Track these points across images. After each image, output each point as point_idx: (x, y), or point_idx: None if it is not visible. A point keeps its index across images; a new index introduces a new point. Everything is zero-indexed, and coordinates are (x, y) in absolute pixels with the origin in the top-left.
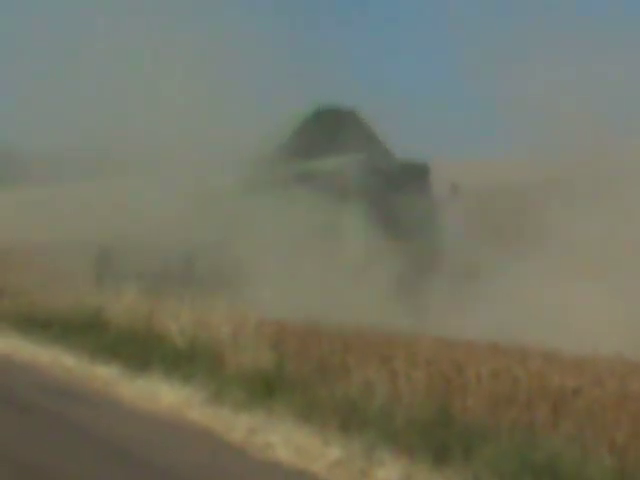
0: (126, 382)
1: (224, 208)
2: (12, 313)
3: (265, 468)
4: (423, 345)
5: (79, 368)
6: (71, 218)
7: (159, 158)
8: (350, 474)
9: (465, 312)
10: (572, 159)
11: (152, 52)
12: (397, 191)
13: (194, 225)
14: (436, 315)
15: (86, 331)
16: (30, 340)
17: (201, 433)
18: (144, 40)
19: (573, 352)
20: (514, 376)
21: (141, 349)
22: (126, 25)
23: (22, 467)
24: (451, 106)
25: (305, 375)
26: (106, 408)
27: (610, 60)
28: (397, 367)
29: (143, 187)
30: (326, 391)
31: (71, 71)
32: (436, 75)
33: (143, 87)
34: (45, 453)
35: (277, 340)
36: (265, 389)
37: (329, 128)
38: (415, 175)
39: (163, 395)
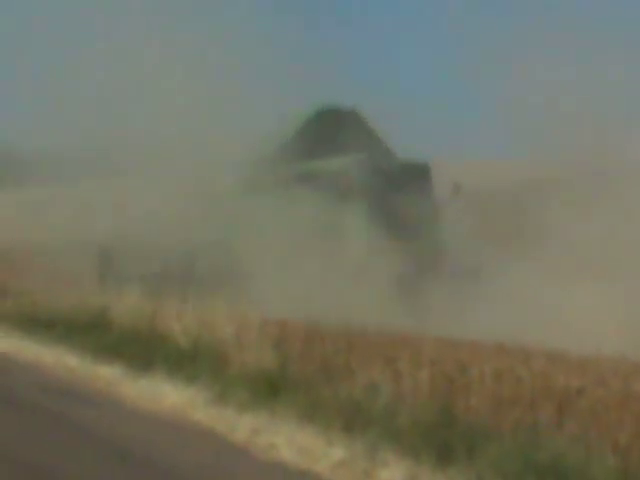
0: (129, 382)
1: (226, 208)
2: (15, 313)
3: (268, 468)
4: (426, 345)
5: (82, 368)
6: (72, 218)
7: (160, 158)
8: (354, 474)
9: (466, 312)
10: (572, 159)
11: (153, 52)
12: (398, 191)
13: (196, 225)
14: (437, 315)
15: (89, 331)
16: (33, 340)
17: (204, 433)
18: (144, 40)
19: (576, 352)
20: (517, 376)
21: (144, 349)
22: (126, 25)
23: (24, 467)
24: (452, 106)
25: (309, 375)
26: (109, 408)
27: (610, 60)
28: (401, 367)
29: (144, 187)
30: (330, 391)
31: (71, 71)
32: (437, 75)
33: (143, 87)
34: (47, 453)
35: (280, 340)
36: (269, 389)
37: (331, 128)
38: (416, 175)
39: (166, 395)
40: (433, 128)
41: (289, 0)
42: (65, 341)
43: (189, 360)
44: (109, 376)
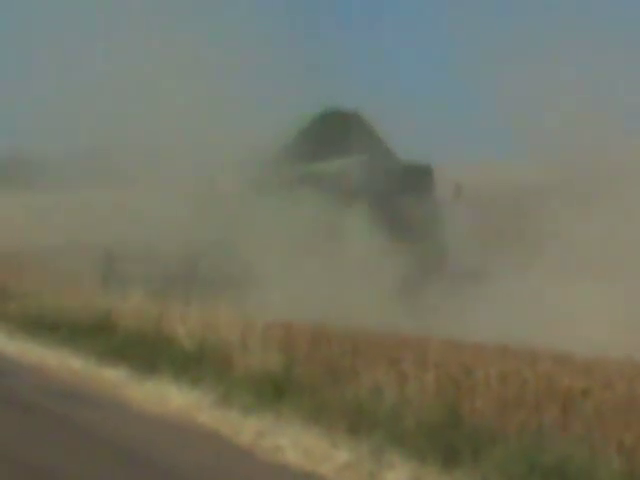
0: (134, 385)
1: (228, 209)
2: (19, 315)
3: (273, 471)
4: (431, 347)
5: (87, 370)
6: (76, 221)
7: (161, 160)
8: (359, 477)
9: (468, 313)
10: (572, 159)
11: (153, 52)
12: (400, 192)
13: (199, 227)
14: (440, 316)
15: (94, 334)
16: (38, 342)
17: (209, 436)
18: (145, 40)
19: (581, 354)
20: (523, 378)
21: (149, 352)
22: (126, 25)
23: (29, 468)
24: (455, 107)
25: (313, 378)
26: (114, 411)
27: (610, 60)
28: (406, 369)
29: (147, 189)
30: (335, 394)
31: (71, 72)
32: (439, 77)
33: (145, 90)
34: (51, 455)
35: (285, 342)
36: (273, 392)
37: (333, 130)
38: (418, 176)
39: (171, 398)
40: (435, 130)
41: (290, 2)
42: (69, 343)
43: (194, 362)
44: (114, 379)
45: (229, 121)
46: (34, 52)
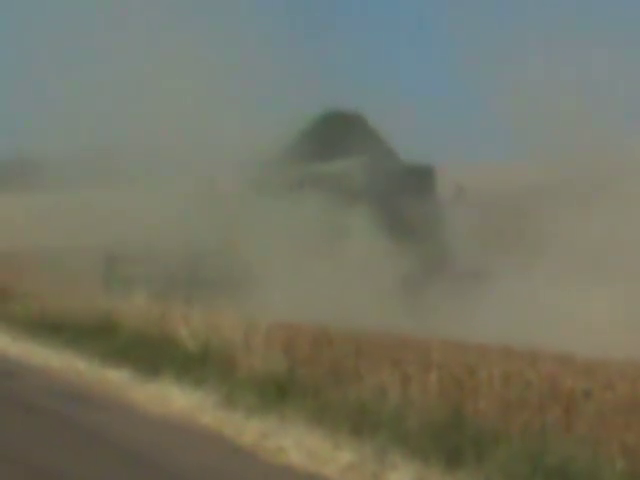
0: (137, 386)
1: (230, 210)
2: (23, 317)
3: (277, 472)
4: (434, 348)
5: (90, 372)
6: (77, 222)
7: (163, 160)
8: (362, 478)
9: (470, 313)
10: (572, 159)
11: (154, 54)
12: (403, 193)
13: (201, 227)
14: (442, 317)
15: (97, 335)
16: (41, 344)
17: (213, 437)
18: (147, 41)
19: (584, 355)
20: (526, 379)
21: (152, 353)
22: (126, 26)
23: (33, 470)
24: (455, 107)
25: (317, 379)
26: (117, 412)
27: (610, 60)
28: (409, 370)
29: (149, 190)
30: (338, 395)
31: (71, 72)
32: (438, 76)
33: (145, 90)
34: (56, 456)
35: (289, 344)
36: (277, 393)
37: (335, 131)
38: (420, 177)
39: (174, 399)
40: (435, 130)
41: (289, 2)
42: (73, 345)
43: (197, 364)
44: (117, 380)
45: (229, 121)
46: (34, 52)
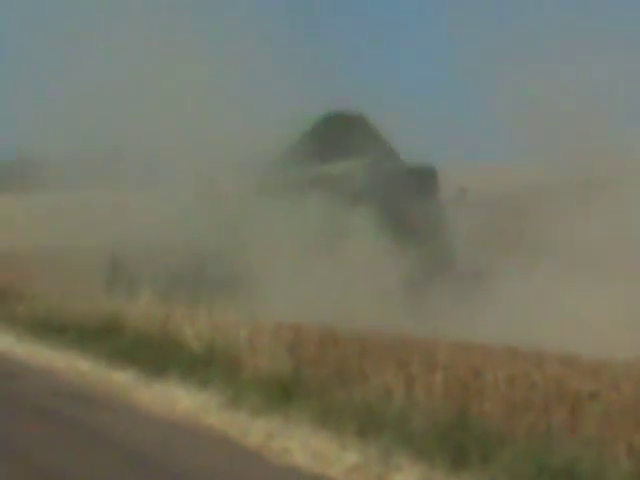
0: (142, 387)
1: (233, 211)
2: (27, 318)
3: (282, 473)
4: (439, 349)
5: (95, 373)
6: (78, 222)
7: (165, 161)
8: (367, 479)
9: (472, 314)
10: (572, 159)
11: (154, 54)
12: (405, 194)
13: (203, 228)
14: (444, 317)
15: (102, 336)
16: (46, 345)
17: (218, 438)
18: (147, 41)
19: (589, 356)
20: (531, 380)
21: (157, 354)
22: (126, 26)
23: (37, 470)
24: (455, 108)
25: (322, 380)
26: (122, 413)
27: (610, 60)
28: (414, 371)
29: (149, 190)
30: (343, 396)
31: (70, 73)
32: (439, 76)
33: (145, 90)
34: (60, 457)
35: (294, 344)
36: (282, 394)
37: (338, 132)
38: (423, 178)
39: (179, 400)
40: (436, 131)
41: (289, 2)
42: (77, 346)
43: (202, 365)
44: (122, 381)
45: (229, 121)
46: (34, 52)
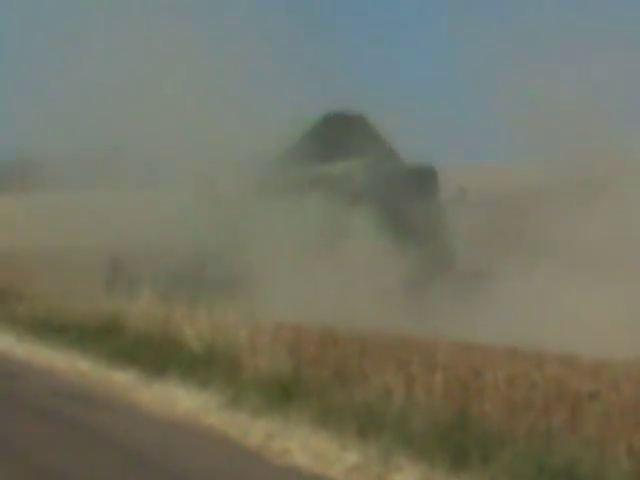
0: (143, 387)
1: (233, 211)
2: (28, 318)
3: (282, 473)
4: (439, 349)
5: (95, 373)
6: (79, 222)
7: (165, 162)
8: (367, 479)
9: (472, 314)
10: (572, 159)
11: (154, 54)
12: (405, 194)
13: (203, 228)
14: (444, 317)
15: (102, 336)
16: (46, 345)
17: (218, 438)
18: (147, 41)
19: (589, 356)
20: (531, 380)
21: (157, 354)
22: (127, 26)
23: (37, 470)
24: (455, 108)
25: (322, 380)
26: (122, 413)
27: (610, 60)
28: (414, 372)
29: (151, 191)
30: (343, 396)
31: (70, 73)
32: (439, 76)
33: (146, 90)
34: (60, 457)
35: (294, 345)
36: (282, 394)
37: (338, 133)
38: (423, 178)
39: (180, 400)
40: (437, 131)
41: (289, 2)
42: (78, 346)
43: (202, 365)
44: (123, 381)
45: (230, 122)
46: (34, 52)
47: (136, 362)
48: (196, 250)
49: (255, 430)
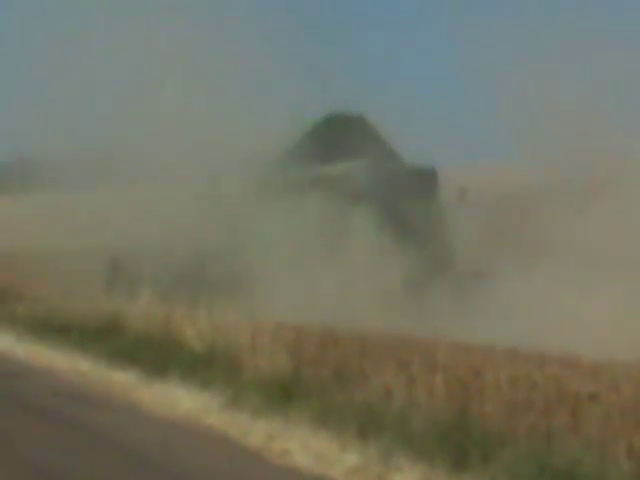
0: (143, 387)
1: (233, 211)
2: (28, 318)
3: (283, 474)
4: (440, 350)
5: (96, 373)
6: (79, 222)
7: (165, 162)
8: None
9: (473, 314)
10: (572, 159)
11: (154, 54)
12: (405, 195)
13: (204, 228)
14: (444, 317)
15: (103, 336)
16: (47, 345)
17: (218, 439)
18: (147, 41)
19: (589, 357)
20: (532, 381)
21: (158, 354)
22: (127, 26)
23: (37, 470)
24: (456, 108)
25: (322, 380)
26: (123, 413)
27: (610, 60)
28: (414, 372)
29: (150, 190)
30: (343, 396)
31: (70, 73)
32: (439, 76)
33: (146, 90)
34: (60, 457)
35: (294, 345)
36: (282, 394)
37: (338, 133)
38: (423, 179)
39: (180, 400)
40: (437, 131)
41: (289, 2)
42: (78, 346)
43: (203, 365)
44: (123, 381)
45: (230, 122)
46: (34, 52)
47: (136, 362)
48: (196, 250)
49: (255, 430)
